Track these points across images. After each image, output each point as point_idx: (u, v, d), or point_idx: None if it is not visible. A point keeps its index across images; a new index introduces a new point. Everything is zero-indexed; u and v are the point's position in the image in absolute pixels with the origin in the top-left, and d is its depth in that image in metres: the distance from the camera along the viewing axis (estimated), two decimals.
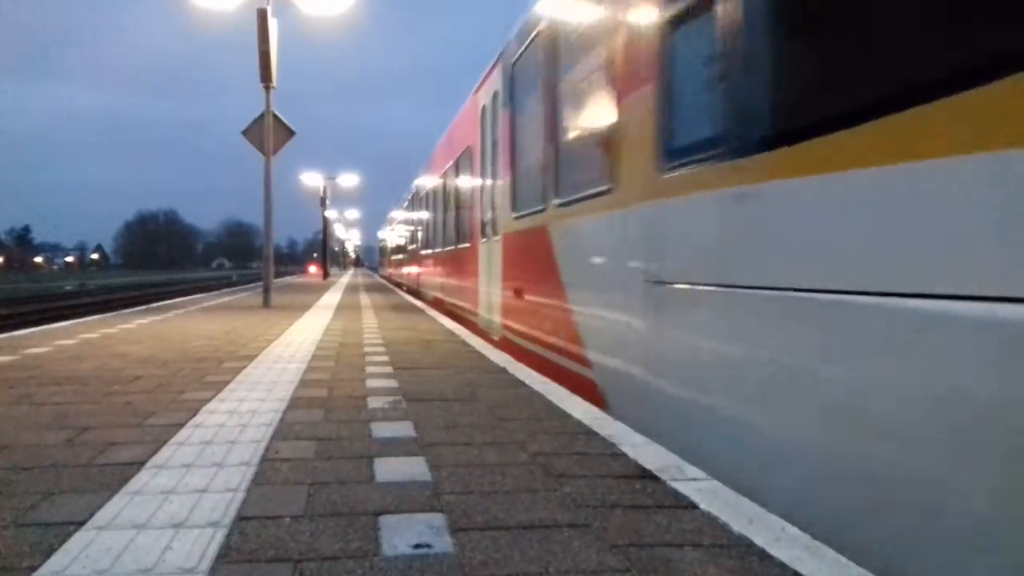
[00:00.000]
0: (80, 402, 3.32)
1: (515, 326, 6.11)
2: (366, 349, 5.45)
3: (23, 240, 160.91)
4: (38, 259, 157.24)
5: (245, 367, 4.46)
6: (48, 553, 1.58)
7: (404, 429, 2.79)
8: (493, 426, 2.84)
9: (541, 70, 5.18)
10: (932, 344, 1.60)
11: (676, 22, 2.99)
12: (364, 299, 13.58)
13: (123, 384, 3.81)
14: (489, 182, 7.75)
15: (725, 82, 2.55)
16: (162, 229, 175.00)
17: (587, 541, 1.67)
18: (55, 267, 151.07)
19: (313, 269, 50.82)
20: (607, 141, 3.79)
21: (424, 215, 16.62)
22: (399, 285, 23.82)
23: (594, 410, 3.16)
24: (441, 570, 1.50)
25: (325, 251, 35.35)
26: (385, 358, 4.91)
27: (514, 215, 6.20)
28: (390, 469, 2.24)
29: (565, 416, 3.03)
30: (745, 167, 2.38)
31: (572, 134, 4.60)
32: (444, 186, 12.12)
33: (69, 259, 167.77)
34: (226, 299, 13.47)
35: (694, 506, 1.90)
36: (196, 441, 2.60)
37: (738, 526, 1.75)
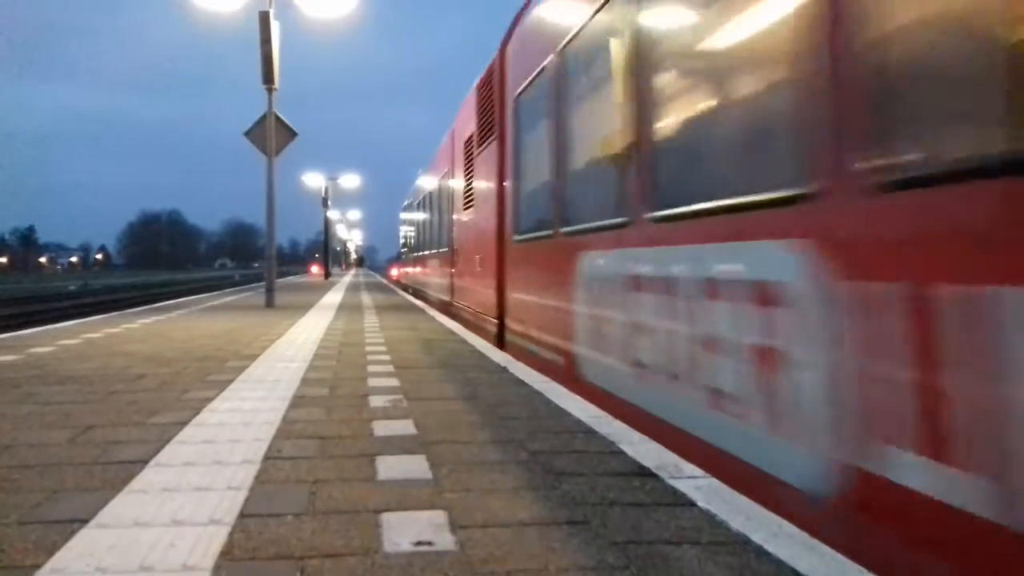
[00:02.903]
0: (84, 401, 3.34)
1: None
2: (367, 348, 5.47)
3: (27, 240, 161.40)
4: (42, 259, 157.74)
5: (248, 366, 4.48)
6: (52, 551, 1.60)
7: (405, 427, 2.80)
8: (493, 425, 2.86)
9: None
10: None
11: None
12: (366, 299, 13.61)
13: (127, 383, 3.83)
14: None
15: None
16: (165, 229, 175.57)
17: (586, 538, 1.68)
18: (59, 267, 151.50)
19: (315, 269, 51.10)
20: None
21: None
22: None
23: (593, 409, 3.18)
24: (442, 567, 1.52)
25: (327, 252, 35.40)
26: (386, 357, 4.93)
27: None
28: (392, 467, 2.25)
29: (564, 415, 3.04)
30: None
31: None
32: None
33: (73, 259, 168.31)
34: (229, 299, 13.50)
35: (692, 504, 1.91)
36: (199, 440, 2.61)
37: (736, 523, 1.76)
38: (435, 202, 13.31)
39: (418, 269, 18.41)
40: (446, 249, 11.20)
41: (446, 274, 11.27)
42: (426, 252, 15.58)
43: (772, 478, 2.11)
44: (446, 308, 10.81)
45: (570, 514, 1.84)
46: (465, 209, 8.90)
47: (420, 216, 17.42)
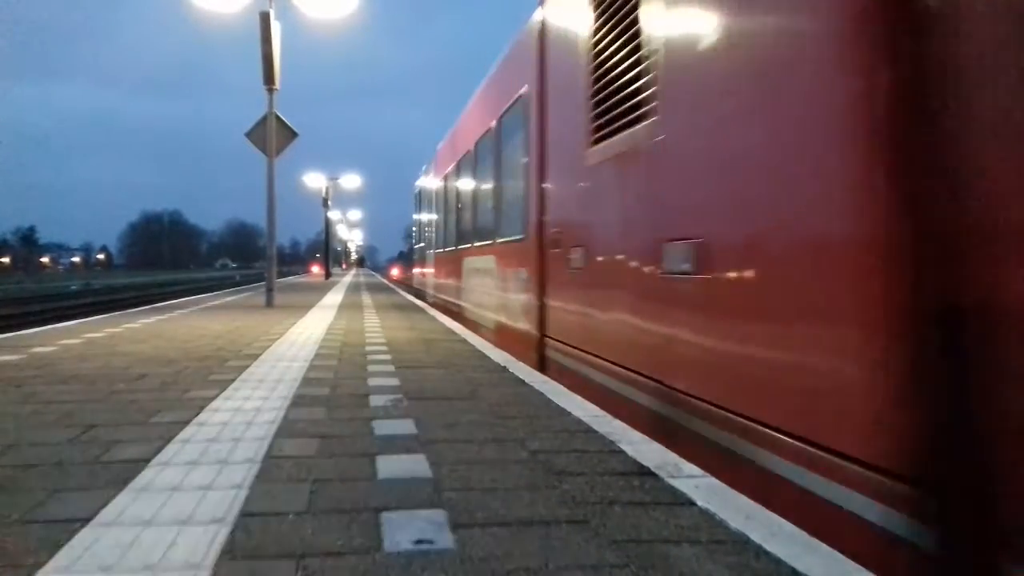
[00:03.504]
0: (85, 400, 3.35)
1: None
2: (368, 348, 5.47)
3: (29, 240, 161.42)
4: (44, 259, 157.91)
5: (249, 366, 4.49)
6: (54, 550, 1.61)
7: (406, 427, 2.81)
8: (493, 424, 2.86)
9: None
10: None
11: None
12: (366, 299, 13.61)
13: (128, 382, 3.84)
14: None
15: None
16: (166, 230, 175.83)
17: (586, 537, 1.69)
18: (60, 267, 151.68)
19: (316, 269, 51.25)
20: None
21: None
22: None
23: (593, 408, 3.18)
24: (442, 565, 1.52)
25: (327, 252, 35.41)
26: (387, 357, 4.94)
27: None
28: (392, 466, 2.26)
29: (564, 414, 3.05)
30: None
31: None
32: None
33: (75, 259, 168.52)
34: (229, 299, 13.51)
35: (692, 503, 1.92)
36: (201, 439, 2.62)
37: (735, 523, 1.77)
38: (488, 161, 7.84)
39: (447, 270, 11.76)
40: (520, 237, 6.19)
41: (522, 283, 6.09)
42: (468, 245, 9.36)
43: None
44: (526, 345, 5.72)
45: (570, 513, 1.85)
46: (594, 143, 4.12)
47: (453, 191, 10.84)
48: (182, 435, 2.67)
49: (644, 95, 3.44)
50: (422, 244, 17.39)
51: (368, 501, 1.93)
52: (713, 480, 2.11)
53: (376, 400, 3.37)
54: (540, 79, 5.57)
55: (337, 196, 36.95)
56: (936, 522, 1.66)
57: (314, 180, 32.58)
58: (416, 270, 20.33)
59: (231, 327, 7.29)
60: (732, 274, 2.61)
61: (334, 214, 45.02)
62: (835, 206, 2.06)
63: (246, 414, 3.05)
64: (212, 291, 19.29)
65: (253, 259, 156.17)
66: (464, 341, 6.03)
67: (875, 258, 1.87)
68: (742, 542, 1.66)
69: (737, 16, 2.60)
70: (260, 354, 5.08)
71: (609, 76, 3.90)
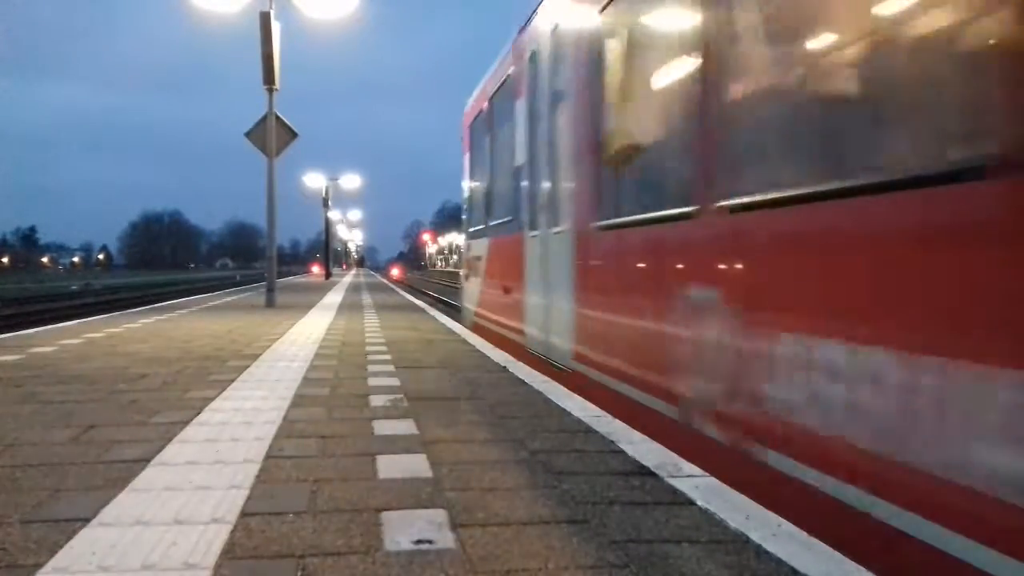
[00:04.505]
0: (86, 400, 3.35)
1: None
2: (368, 348, 5.47)
3: (29, 240, 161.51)
4: (44, 259, 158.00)
5: (249, 366, 4.49)
6: (54, 550, 1.61)
7: (406, 427, 2.81)
8: (493, 424, 2.87)
9: None
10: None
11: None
12: (366, 299, 13.62)
13: (128, 382, 3.84)
14: None
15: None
16: (166, 230, 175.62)
17: (586, 537, 1.69)
18: (60, 267, 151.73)
19: (316, 269, 51.31)
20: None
21: None
22: None
23: (593, 408, 3.19)
24: (442, 565, 1.52)
25: (327, 252, 35.43)
26: (387, 357, 4.94)
27: None
28: (392, 466, 2.26)
29: (564, 414, 3.05)
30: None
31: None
32: None
33: (75, 259, 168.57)
34: (230, 299, 13.52)
35: (691, 502, 1.92)
36: (201, 439, 2.62)
37: (735, 522, 1.77)
38: None
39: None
40: None
41: None
42: None
43: None
44: None
45: (570, 513, 1.85)
46: None
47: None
48: (182, 435, 2.67)
49: None
50: (504, 220, 7.05)
51: (368, 501, 1.93)
52: (713, 480, 2.11)
53: (376, 400, 3.37)
54: None
55: (337, 196, 36.98)
56: None
57: (314, 180, 32.59)
58: (472, 284, 9.03)
59: (231, 327, 7.29)
60: None
61: (334, 214, 45.06)
62: None
63: (246, 414, 3.05)
64: (212, 291, 19.30)
65: (253, 259, 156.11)
66: (464, 341, 6.03)
67: None
68: (742, 542, 1.66)
69: None
70: (260, 354, 5.08)
71: None
